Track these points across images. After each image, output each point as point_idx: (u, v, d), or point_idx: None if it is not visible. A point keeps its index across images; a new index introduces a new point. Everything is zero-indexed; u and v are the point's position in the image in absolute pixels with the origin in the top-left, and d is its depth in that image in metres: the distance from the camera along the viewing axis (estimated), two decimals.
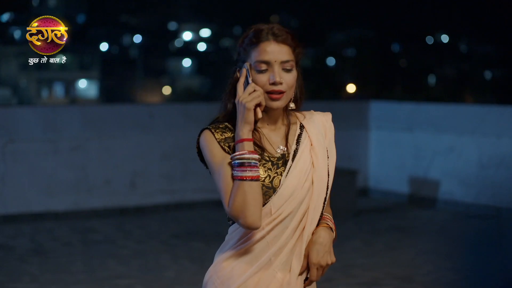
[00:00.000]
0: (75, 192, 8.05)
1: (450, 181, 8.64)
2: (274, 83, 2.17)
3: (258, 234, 2.19)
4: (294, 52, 2.21)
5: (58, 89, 43.92)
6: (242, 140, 2.14)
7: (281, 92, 2.18)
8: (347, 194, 8.13)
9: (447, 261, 6.25)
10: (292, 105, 2.26)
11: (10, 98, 39.49)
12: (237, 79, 2.21)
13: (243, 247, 2.21)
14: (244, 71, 2.19)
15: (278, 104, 2.19)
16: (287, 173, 2.20)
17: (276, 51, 2.18)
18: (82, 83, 44.22)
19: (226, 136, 2.20)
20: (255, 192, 2.12)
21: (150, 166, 8.42)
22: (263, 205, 2.17)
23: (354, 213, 8.17)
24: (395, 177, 9.26)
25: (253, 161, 2.13)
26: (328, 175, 2.26)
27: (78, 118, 8.18)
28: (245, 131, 2.14)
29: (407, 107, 9.48)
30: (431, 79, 44.18)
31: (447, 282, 5.66)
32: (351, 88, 39.82)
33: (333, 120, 2.36)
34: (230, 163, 2.17)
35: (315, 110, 2.36)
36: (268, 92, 2.17)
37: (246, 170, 2.12)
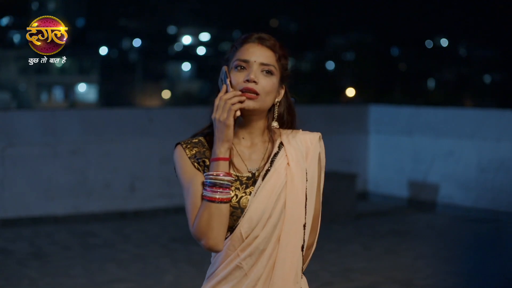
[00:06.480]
0: (74, 196, 8.05)
1: (450, 185, 8.64)
2: (248, 80, 2.05)
3: (234, 262, 2.05)
4: (279, 61, 2.10)
5: (58, 93, 43.90)
6: (218, 159, 2.02)
7: (254, 93, 2.05)
8: (347, 198, 8.14)
9: (446, 265, 6.25)
10: (275, 124, 2.13)
11: (10, 102, 39.48)
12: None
13: (223, 276, 2.07)
14: (224, 72, 2.10)
15: (249, 104, 2.04)
16: (255, 193, 2.05)
17: (257, 53, 2.08)
18: (82, 87, 44.23)
19: (196, 151, 2.09)
20: (222, 215, 2.01)
21: (150, 170, 8.42)
22: (233, 229, 2.05)
23: (353, 217, 8.17)
24: (395, 181, 9.26)
25: (226, 183, 2.01)
26: (306, 198, 2.10)
27: (77, 122, 8.18)
28: (222, 150, 2.02)
29: (406, 111, 9.48)
30: (431, 83, 44.27)
31: (446, 286, 5.66)
32: (350, 92, 39.89)
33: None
34: (199, 181, 2.05)
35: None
36: (241, 91, 2.05)
37: (217, 192, 2.00)
